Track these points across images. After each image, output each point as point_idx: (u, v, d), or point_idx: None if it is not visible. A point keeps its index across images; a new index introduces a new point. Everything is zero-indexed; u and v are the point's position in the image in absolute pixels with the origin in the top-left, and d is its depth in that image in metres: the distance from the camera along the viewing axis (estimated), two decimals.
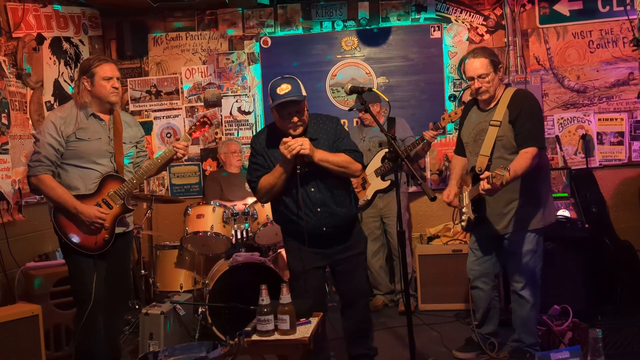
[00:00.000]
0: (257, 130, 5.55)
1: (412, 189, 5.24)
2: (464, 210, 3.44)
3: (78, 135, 3.14)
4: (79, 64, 5.13)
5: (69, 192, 3.11)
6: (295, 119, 2.96)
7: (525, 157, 3.10)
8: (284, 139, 2.90)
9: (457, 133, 3.85)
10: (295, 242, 3.15)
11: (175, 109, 5.66)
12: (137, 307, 4.48)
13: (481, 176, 3.03)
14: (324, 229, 3.05)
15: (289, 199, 3.06)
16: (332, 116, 3.23)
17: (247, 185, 5.03)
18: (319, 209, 3.03)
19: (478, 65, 3.27)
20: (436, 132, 4.42)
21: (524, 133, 3.17)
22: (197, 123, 3.50)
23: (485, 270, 3.51)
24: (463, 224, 3.45)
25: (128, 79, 5.61)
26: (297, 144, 2.86)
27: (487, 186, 2.92)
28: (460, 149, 3.61)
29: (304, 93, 2.98)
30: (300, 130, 3.01)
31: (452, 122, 4.40)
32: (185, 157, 4.52)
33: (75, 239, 3.12)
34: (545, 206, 3.31)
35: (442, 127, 4.39)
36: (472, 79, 3.31)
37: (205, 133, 3.68)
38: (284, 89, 2.93)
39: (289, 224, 3.16)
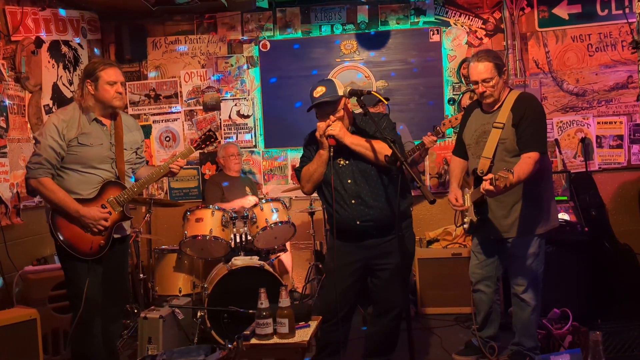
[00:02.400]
0: (257, 134, 5.59)
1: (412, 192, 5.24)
2: (466, 212, 3.43)
3: (80, 141, 3.12)
4: (77, 68, 5.13)
5: (70, 196, 3.10)
6: (333, 118, 3.02)
7: (527, 162, 3.09)
8: (318, 123, 3.04)
9: (456, 136, 3.85)
10: (332, 237, 3.17)
11: (174, 113, 5.66)
12: (135, 311, 4.46)
13: (484, 177, 3.00)
14: (358, 222, 3.04)
15: (327, 190, 3.12)
16: (383, 113, 3.30)
17: (247, 189, 5.08)
18: (353, 201, 3.04)
19: (482, 69, 3.25)
20: (436, 137, 4.42)
21: (526, 137, 3.16)
22: (202, 137, 3.50)
23: (488, 273, 3.50)
24: (465, 226, 3.45)
25: (127, 83, 5.61)
26: (325, 125, 2.99)
27: (490, 187, 2.89)
28: (459, 150, 3.60)
29: (340, 93, 3.04)
30: None
31: (453, 127, 4.40)
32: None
33: (71, 242, 3.10)
34: (548, 210, 3.30)
35: (442, 132, 4.39)
36: (476, 82, 3.29)
37: (210, 146, 3.67)
38: (318, 91, 3.03)
39: (330, 218, 3.19)
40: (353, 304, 3.24)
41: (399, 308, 3.20)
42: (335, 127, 2.98)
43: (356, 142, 3.02)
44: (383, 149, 2.97)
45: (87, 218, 3.09)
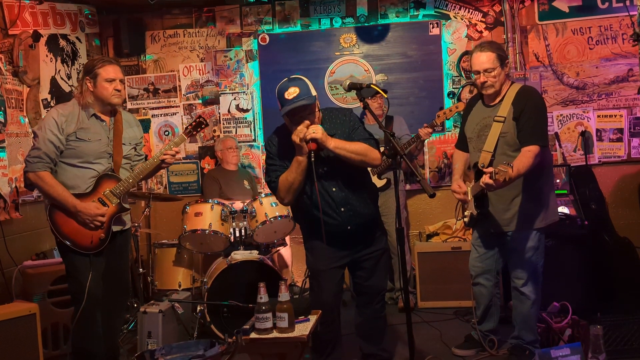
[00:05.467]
0: (256, 128, 5.55)
1: (408, 187, 5.23)
2: (466, 206, 3.43)
3: (79, 135, 3.12)
4: (76, 62, 5.11)
5: (68, 191, 3.09)
6: (307, 122, 2.82)
7: (527, 155, 3.08)
8: (298, 127, 2.82)
9: (456, 130, 3.86)
10: (317, 241, 3.07)
11: (173, 107, 5.64)
12: (135, 305, 4.46)
13: (485, 170, 2.99)
14: (348, 227, 3.00)
15: (309, 198, 2.99)
16: (345, 108, 3.15)
17: (245, 182, 5.07)
18: (342, 209, 2.97)
19: (484, 59, 3.24)
20: (431, 129, 4.41)
21: (526, 130, 3.15)
22: (193, 123, 3.50)
23: (488, 266, 3.50)
24: (465, 219, 3.44)
25: (125, 77, 5.58)
26: (305, 128, 2.78)
27: (489, 181, 2.88)
28: (461, 144, 3.59)
29: (313, 93, 2.85)
30: None
31: (447, 119, 4.39)
32: (182, 156, 4.49)
33: (71, 237, 3.10)
34: (548, 204, 3.30)
35: (437, 124, 4.39)
36: (477, 72, 3.28)
37: (201, 133, 3.67)
38: (291, 92, 2.80)
39: (311, 223, 3.06)
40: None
41: (383, 291, 3.30)
42: (317, 131, 2.77)
43: (340, 146, 2.85)
44: (368, 150, 2.92)
45: (84, 214, 3.08)
